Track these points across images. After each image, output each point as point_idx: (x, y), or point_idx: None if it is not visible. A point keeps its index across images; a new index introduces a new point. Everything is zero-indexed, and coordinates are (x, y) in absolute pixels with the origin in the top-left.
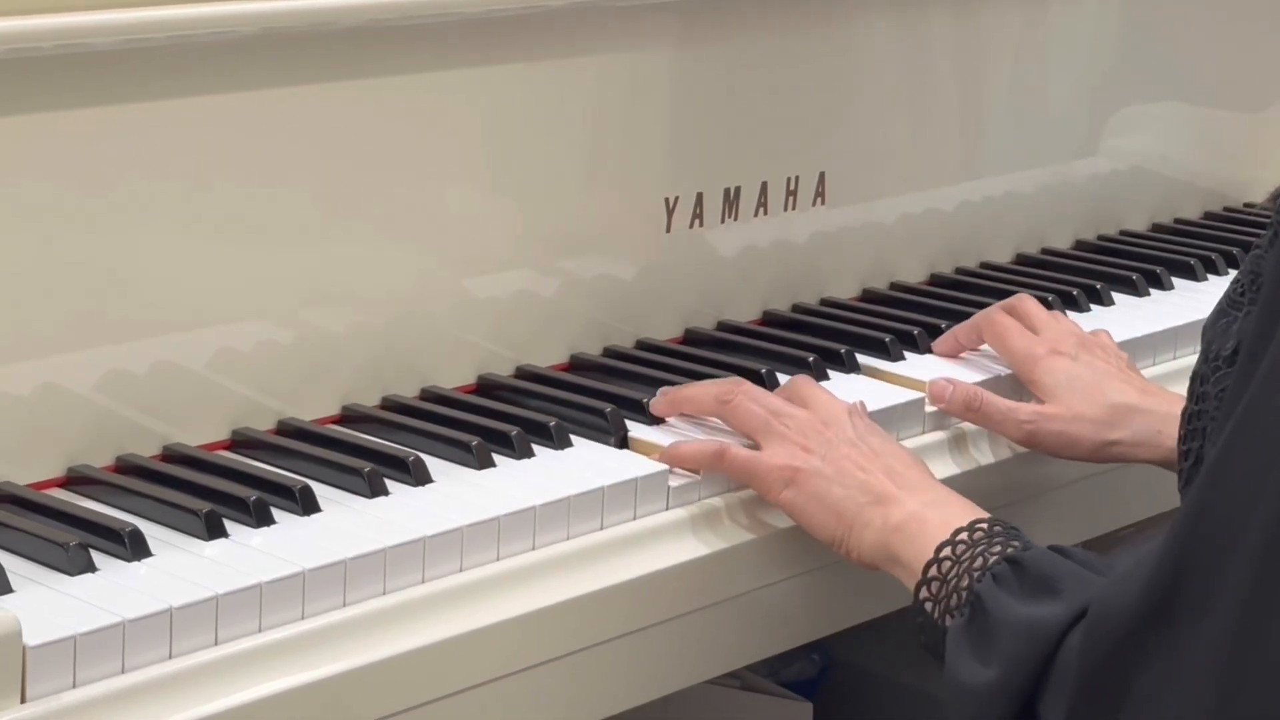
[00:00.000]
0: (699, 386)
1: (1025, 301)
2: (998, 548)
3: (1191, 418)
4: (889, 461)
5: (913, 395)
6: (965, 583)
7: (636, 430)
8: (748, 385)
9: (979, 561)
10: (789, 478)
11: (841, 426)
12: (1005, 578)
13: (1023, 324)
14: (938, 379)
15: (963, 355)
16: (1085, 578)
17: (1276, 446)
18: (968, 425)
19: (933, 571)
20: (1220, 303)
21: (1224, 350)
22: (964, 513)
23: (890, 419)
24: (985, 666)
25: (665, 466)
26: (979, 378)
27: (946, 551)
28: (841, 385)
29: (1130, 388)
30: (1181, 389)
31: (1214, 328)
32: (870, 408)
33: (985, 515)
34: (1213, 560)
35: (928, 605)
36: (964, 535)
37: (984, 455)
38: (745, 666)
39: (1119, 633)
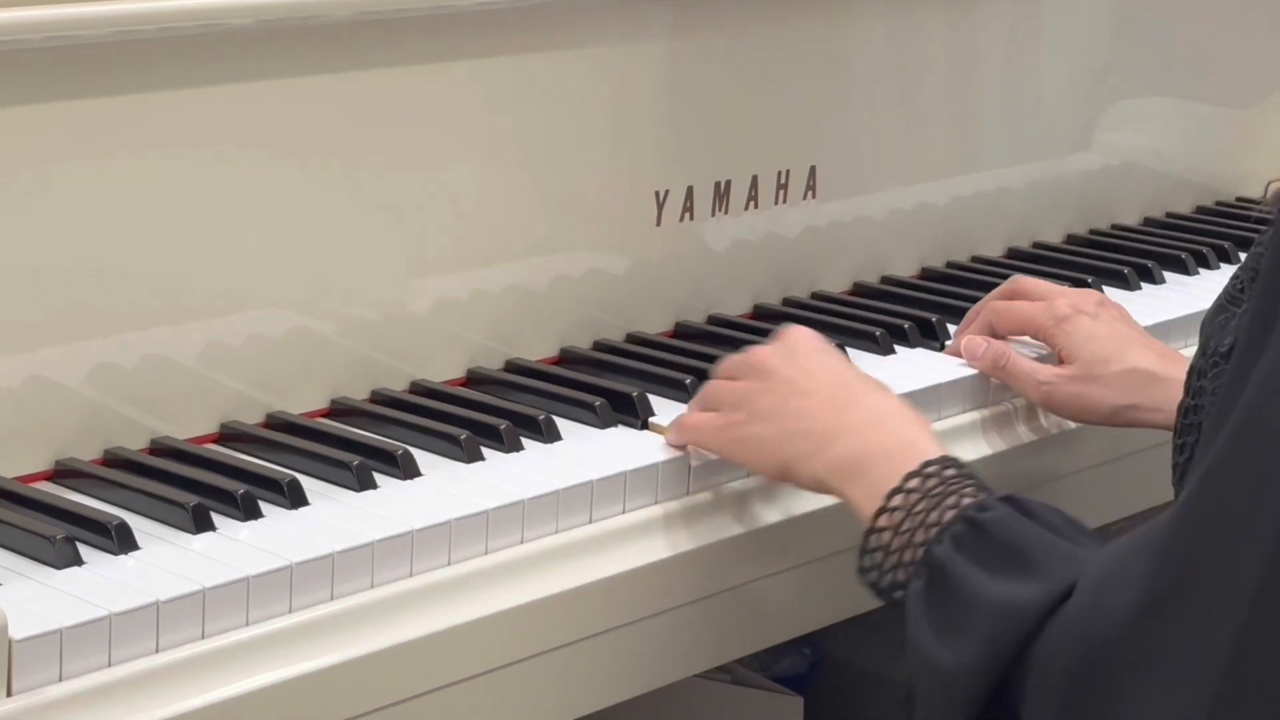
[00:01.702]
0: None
1: (1024, 281)
2: (953, 498)
3: (1188, 412)
4: (830, 389)
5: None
6: (920, 538)
7: (625, 428)
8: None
9: (934, 515)
10: (730, 435)
11: (790, 347)
12: (966, 542)
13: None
14: (973, 336)
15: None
16: (1060, 553)
17: None
18: (963, 418)
19: (884, 520)
20: (1220, 298)
21: (1222, 346)
22: (909, 442)
23: None
24: (956, 645)
25: (655, 460)
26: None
27: (898, 500)
28: None
29: (1151, 353)
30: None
31: (1213, 323)
32: None
33: (931, 452)
34: (1221, 561)
35: (878, 554)
36: (915, 482)
37: (983, 447)
38: (735, 661)
39: (1113, 630)
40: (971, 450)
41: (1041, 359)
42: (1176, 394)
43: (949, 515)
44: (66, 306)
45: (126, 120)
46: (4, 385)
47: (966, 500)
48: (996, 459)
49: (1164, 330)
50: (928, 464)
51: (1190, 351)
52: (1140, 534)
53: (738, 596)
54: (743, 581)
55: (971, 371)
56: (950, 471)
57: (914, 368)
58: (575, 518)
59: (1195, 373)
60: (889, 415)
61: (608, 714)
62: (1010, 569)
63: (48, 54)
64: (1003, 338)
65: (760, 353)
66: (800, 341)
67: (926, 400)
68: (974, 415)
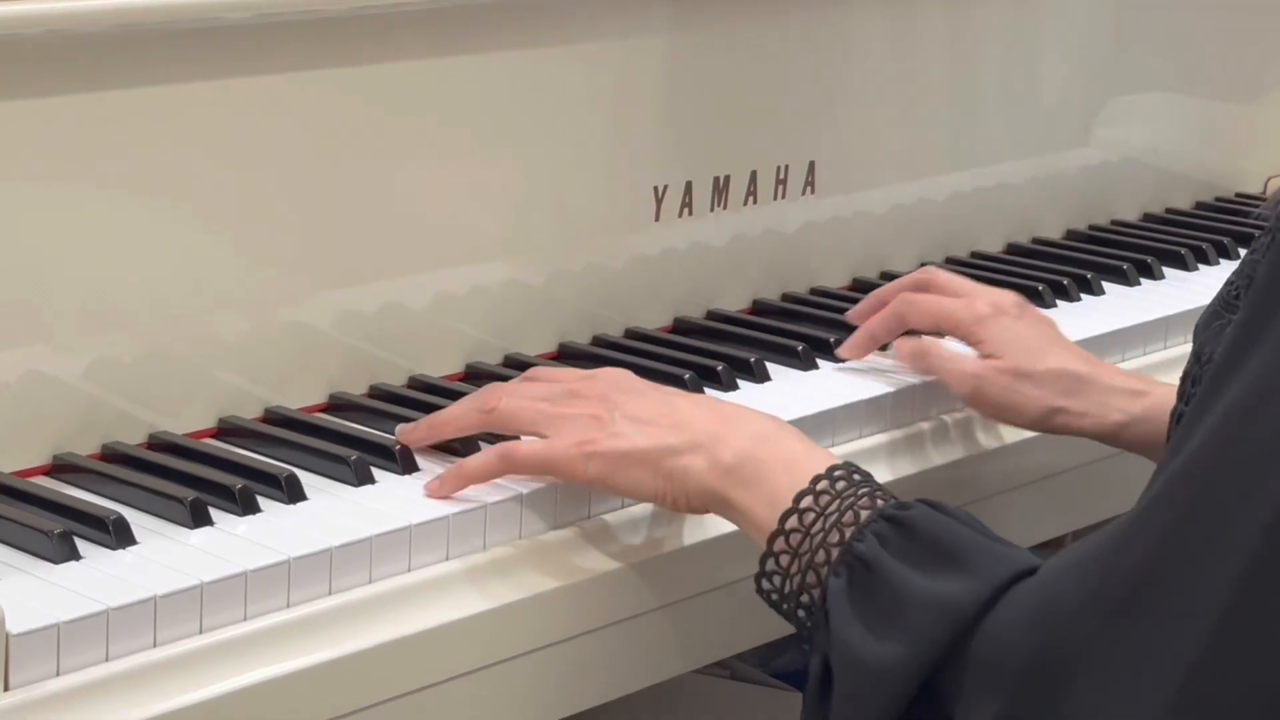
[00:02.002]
0: (454, 407)
1: (938, 274)
2: (865, 499)
3: (1180, 418)
4: (689, 401)
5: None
6: (835, 538)
7: None
8: (504, 386)
9: (849, 516)
10: (588, 452)
11: (620, 382)
12: (890, 539)
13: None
14: (900, 339)
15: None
16: (992, 551)
17: (1273, 454)
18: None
19: (792, 523)
20: (1213, 304)
21: (1217, 354)
22: (804, 453)
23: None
24: (886, 641)
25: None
26: (888, 388)
27: (808, 501)
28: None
29: (1076, 357)
30: (1172, 379)
31: (1207, 329)
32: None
33: (832, 458)
34: (1195, 561)
35: (784, 559)
36: (824, 484)
37: (940, 455)
38: (735, 656)
39: (1072, 623)
40: (933, 459)
41: None
42: (1101, 395)
43: (864, 515)
44: (65, 301)
45: (125, 114)
46: (2, 379)
47: (879, 501)
48: (968, 463)
49: (1163, 326)
50: (834, 468)
51: (1187, 349)
52: (1103, 534)
53: (737, 591)
54: (742, 576)
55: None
56: (857, 476)
57: (960, 345)
58: (574, 513)
59: (1189, 379)
60: (776, 429)
61: (607, 708)
62: (940, 565)
63: (52, 46)
64: (913, 332)
65: (590, 377)
66: (623, 374)
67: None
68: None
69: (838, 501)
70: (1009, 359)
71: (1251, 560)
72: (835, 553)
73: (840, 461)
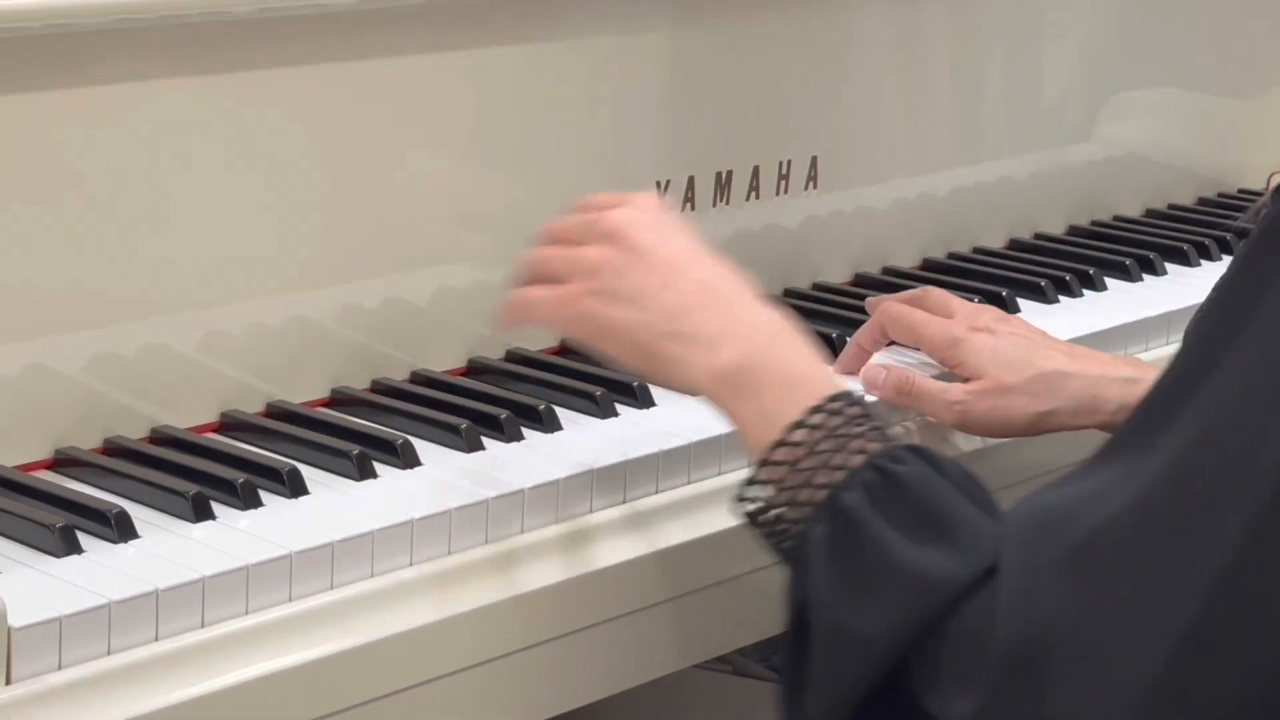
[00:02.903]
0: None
1: (930, 293)
2: (858, 441)
3: None
4: (707, 285)
5: None
6: (822, 480)
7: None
8: (540, 255)
9: (839, 458)
10: (576, 311)
11: (635, 224)
12: (878, 493)
13: (932, 314)
14: (871, 365)
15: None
16: (981, 530)
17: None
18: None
19: (781, 454)
20: (1204, 304)
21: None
22: (804, 370)
23: None
24: (868, 611)
25: (656, 450)
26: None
27: (800, 434)
28: None
29: (1057, 353)
30: None
31: (1197, 330)
32: None
33: (828, 385)
34: (1178, 558)
35: (768, 489)
36: (819, 417)
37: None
38: (736, 651)
39: (1052, 608)
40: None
41: (941, 376)
42: (1090, 387)
43: (856, 460)
44: (66, 295)
45: (126, 108)
46: (4, 373)
47: (874, 445)
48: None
49: (1165, 322)
50: (832, 399)
51: None
52: (1084, 509)
53: (739, 587)
54: (745, 571)
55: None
56: (855, 410)
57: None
58: (576, 507)
59: None
60: (779, 336)
61: (609, 703)
62: (927, 533)
63: (52, 40)
64: (893, 342)
65: (612, 217)
66: (655, 213)
67: None
68: None
69: (831, 440)
70: (990, 377)
71: (1240, 546)
72: (822, 495)
73: (838, 391)
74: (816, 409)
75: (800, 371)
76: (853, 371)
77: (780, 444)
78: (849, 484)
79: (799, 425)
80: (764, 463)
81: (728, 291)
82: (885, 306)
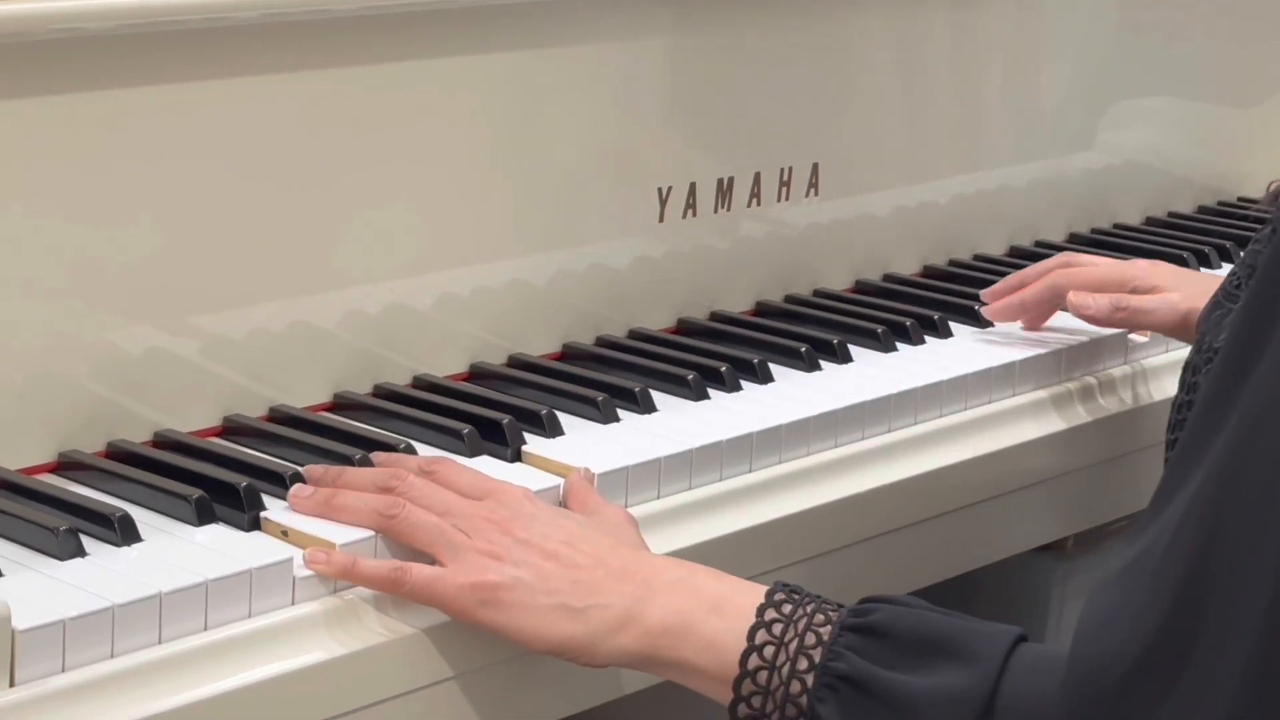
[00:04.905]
0: (355, 496)
1: (1079, 255)
2: (817, 615)
3: (1181, 407)
4: (594, 547)
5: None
6: (804, 665)
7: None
8: (412, 482)
9: (810, 638)
10: (484, 598)
11: (525, 516)
12: (867, 649)
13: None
14: (1078, 293)
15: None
16: (977, 631)
17: None
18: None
19: (753, 661)
20: (1216, 294)
21: (1217, 342)
22: (726, 589)
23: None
24: None
25: (662, 454)
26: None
27: (762, 636)
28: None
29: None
30: (1173, 382)
31: (1209, 319)
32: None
33: (755, 585)
34: (1230, 590)
35: (755, 700)
36: (771, 613)
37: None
38: None
39: (1117, 681)
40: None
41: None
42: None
43: (824, 632)
44: (69, 299)
45: (132, 113)
46: (8, 377)
47: (832, 613)
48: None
49: None
50: (772, 593)
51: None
52: (1126, 575)
53: None
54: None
55: (1035, 350)
56: (797, 595)
57: (963, 350)
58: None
59: (1190, 368)
60: (685, 573)
61: (609, 707)
62: (931, 660)
63: (45, 45)
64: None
65: (492, 487)
66: (526, 497)
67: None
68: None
69: (791, 628)
70: (1185, 294)
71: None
72: (810, 679)
73: (771, 585)
74: (764, 606)
75: (722, 589)
76: (1007, 320)
77: (749, 652)
78: (834, 654)
79: (757, 627)
80: (741, 677)
81: (616, 552)
82: (1050, 279)
